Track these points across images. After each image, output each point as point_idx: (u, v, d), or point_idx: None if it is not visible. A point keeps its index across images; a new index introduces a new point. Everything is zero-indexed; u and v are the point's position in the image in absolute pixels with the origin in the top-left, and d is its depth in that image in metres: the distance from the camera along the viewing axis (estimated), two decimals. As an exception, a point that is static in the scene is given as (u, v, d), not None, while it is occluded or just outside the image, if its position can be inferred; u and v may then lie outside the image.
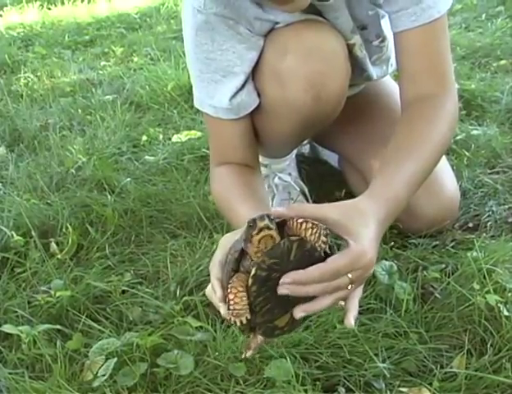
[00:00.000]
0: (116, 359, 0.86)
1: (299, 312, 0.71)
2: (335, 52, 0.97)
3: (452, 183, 1.14)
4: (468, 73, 1.95)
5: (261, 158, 1.24)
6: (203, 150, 1.48)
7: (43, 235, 1.24)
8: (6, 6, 4.10)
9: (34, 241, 1.20)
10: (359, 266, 0.70)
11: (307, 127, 1.06)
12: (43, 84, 2.29)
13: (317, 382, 0.83)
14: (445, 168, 1.14)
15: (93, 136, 1.72)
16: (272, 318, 0.72)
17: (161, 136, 1.70)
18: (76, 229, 1.23)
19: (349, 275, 0.69)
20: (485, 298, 0.89)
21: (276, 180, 1.25)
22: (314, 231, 0.68)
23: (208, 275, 0.75)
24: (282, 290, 0.69)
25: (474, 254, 0.99)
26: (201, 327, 0.91)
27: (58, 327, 0.94)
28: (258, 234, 0.67)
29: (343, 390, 0.82)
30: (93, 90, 2.15)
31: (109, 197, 1.31)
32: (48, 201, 1.35)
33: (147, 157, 1.56)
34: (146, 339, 0.87)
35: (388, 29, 1.04)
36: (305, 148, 1.46)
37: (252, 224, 0.67)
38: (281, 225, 0.70)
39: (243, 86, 0.99)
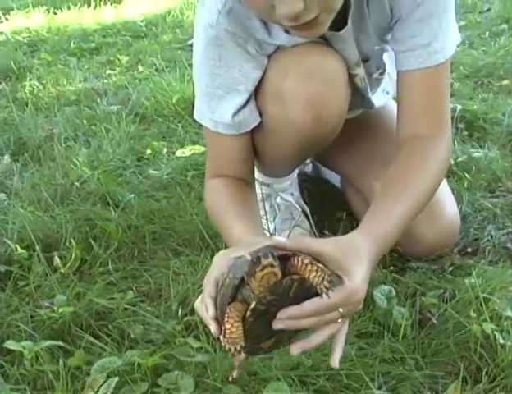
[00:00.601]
0: (117, 378, 0.87)
1: (295, 350, 0.74)
2: (335, 73, 0.99)
3: (452, 208, 1.16)
4: (471, 93, 1.96)
5: (263, 178, 1.26)
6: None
7: (46, 249, 1.26)
8: (13, 10, 4.12)
9: (38, 255, 1.21)
10: (351, 302, 0.74)
11: (307, 147, 1.09)
12: (48, 92, 2.31)
13: (315, 407, 0.84)
14: (445, 193, 1.16)
15: (98, 148, 1.74)
16: (259, 342, 0.75)
17: (165, 150, 1.71)
18: (80, 243, 1.25)
19: (341, 310, 0.73)
20: (481, 326, 0.90)
21: (279, 199, 1.27)
22: (319, 274, 0.71)
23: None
24: (278, 325, 0.73)
25: (472, 280, 1.00)
26: (201, 347, 0.92)
27: (61, 343, 0.95)
28: (261, 271, 0.69)
29: (340, 414, 0.84)
30: (98, 100, 2.16)
31: (113, 212, 1.32)
32: (52, 214, 1.36)
33: (151, 171, 1.58)
34: (147, 359, 0.89)
35: (387, 60, 1.07)
36: (308, 168, 1.47)
37: (256, 261, 0.69)
38: (284, 258, 0.72)
39: (245, 104, 1.01)
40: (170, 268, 1.16)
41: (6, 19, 3.94)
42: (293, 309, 0.72)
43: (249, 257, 0.72)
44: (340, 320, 0.75)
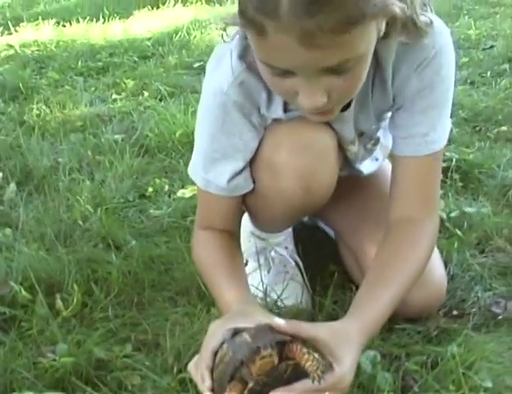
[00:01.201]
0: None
1: None
2: (327, 150, 1.05)
3: (440, 271, 1.20)
4: (468, 140, 2.01)
5: (258, 232, 1.31)
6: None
7: (49, 289, 1.30)
8: (23, 21, 4.18)
9: (41, 297, 1.26)
10: (338, 387, 0.80)
11: (297, 213, 1.17)
12: (54, 116, 2.36)
13: None
14: (434, 257, 1.21)
15: (102, 182, 1.79)
16: None
17: (166, 187, 1.76)
18: (81, 286, 1.29)
19: (327, 393, 0.80)
20: (461, 398, 0.95)
21: (273, 253, 1.31)
22: (314, 363, 0.79)
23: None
24: None
25: (454, 349, 1.05)
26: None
27: (62, 396, 1.00)
28: (260, 359, 0.77)
29: None
30: (103, 129, 2.21)
31: (114, 257, 1.37)
32: (56, 254, 1.41)
33: (152, 210, 1.63)
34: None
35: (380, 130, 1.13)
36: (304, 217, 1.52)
37: (256, 350, 0.77)
38: (281, 342, 0.79)
39: (241, 171, 1.06)
40: (167, 318, 1.21)
41: (16, 30, 4.00)
42: (285, 390, 0.79)
43: (249, 339, 0.79)
44: None
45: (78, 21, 4.19)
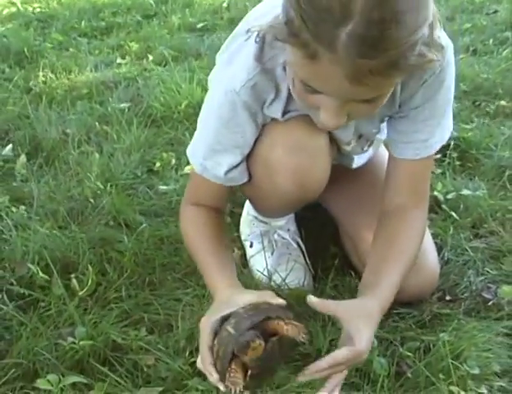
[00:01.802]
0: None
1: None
2: (319, 149, 1.10)
3: (433, 258, 1.27)
4: (467, 116, 2.05)
5: (260, 217, 1.38)
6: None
7: (64, 269, 1.38)
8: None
9: (57, 276, 1.33)
10: (357, 360, 0.96)
11: (293, 205, 1.26)
12: (60, 84, 2.38)
13: None
14: (427, 244, 1.27)
15: (110, 156, 1.84)
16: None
17: (173, 161, 1.82)
18: (95, 266, 1.37)
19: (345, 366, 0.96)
20: (448, 387, 1.04)
21: (276, 236, 1.38)
22: (294, 329, 0.91)
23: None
24: (301, 378, 0.94)
25: (446, 337, 1.13)
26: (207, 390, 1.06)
27: (84, 380, 1.08)
28: (252, 350, 0.89)
29: None
30: (109, 97, 2.24)
31: (126, 239, 1.43)
32: (69, 234, 1.47)
33: (160, 186, 1.69)
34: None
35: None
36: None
37: (245, 344, 0.88)
38: (263, 321, 0.92)
39: (238, 165, 1.11)
40: (177, 298, 1.28)
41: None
42: (314, 366, 0.92)
43: (233, 331, 0.91)
44: (345, 371, 0.99)
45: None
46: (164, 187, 1.69)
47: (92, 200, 1.61)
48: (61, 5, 3.47)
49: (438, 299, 1.29)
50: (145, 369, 1.12)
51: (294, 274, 1.33)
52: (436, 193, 1.58)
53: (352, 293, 1.28)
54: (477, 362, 1.11)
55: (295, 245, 1.40)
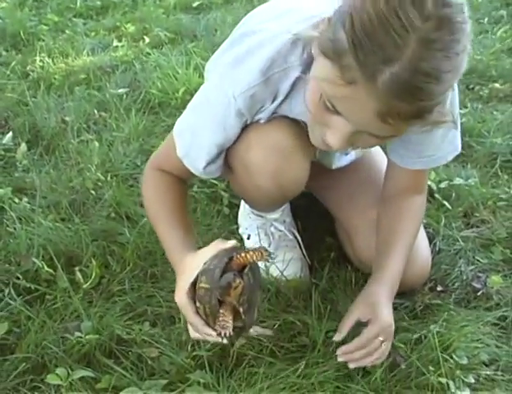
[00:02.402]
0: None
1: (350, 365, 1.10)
2: (292, 150, 1.11)
3: (426, 253, 1.32)
4: (461, 100, 2.07)
5: (255, 211, 1.41)
6: (212, 181, 1.64)
7: (68, 262, 1.42)
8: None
9: (62, 269, 1.38)
10: (386, 331, 1.08)
11: (276, 202, 1.30)
12: (58, 68, 2.39)
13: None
14: (420, 236, 1.31)
15: (110, 145, 1.86)
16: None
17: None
18: (98, 259, 1.41)
19: (381, 338, 1.07)
20: (437, 378, 1.09)
21: (272, 229, 1.42)
22: (256, 255, 0.97)
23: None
24: (340, 359, 1.08)
25: (437, 329, 1.19)
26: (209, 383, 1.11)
27: (91, 374, 1.13)
28: (234, 290, 0.97)
29: None
30: (107, 83, 2.26)
31: (127, 232, 1.47)
32: (72, 226, 1.51)
33: (159, 177, 1.72)
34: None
35: None
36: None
37: (227, 286, 0.95)
38: (228, 263, 0.98)
39: (214, 160, 1.13)
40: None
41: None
42: (347, 347, 1.07)
43: (208, 285, 0.97)
44: (383, 345, 1.07)
45: None
46: (163, 177, 1.72)
47: (93, 192, 1.64)
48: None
49: (430, 289, 1.35)
50: (149, 362, 1.18)
51: (291, 266, 1.37)
52: (429, 182, 1.62)
53: (347, 284, 1.33)
54: (465, 352, 1.17)
55: (291, 237, 1.44)
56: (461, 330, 1.20)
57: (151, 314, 1.29)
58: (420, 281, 1.32)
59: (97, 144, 1.87)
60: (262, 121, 1.08)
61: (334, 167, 1.34)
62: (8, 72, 2.33)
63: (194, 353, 1.17)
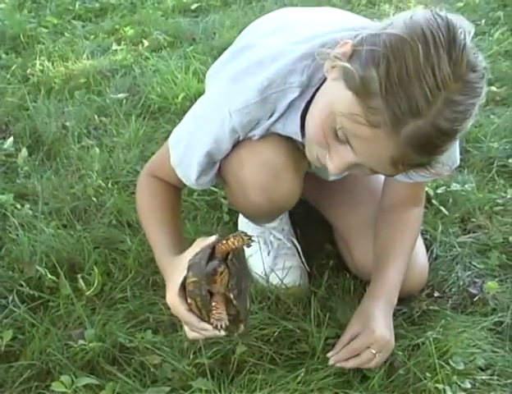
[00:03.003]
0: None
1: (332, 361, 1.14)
2: (282, 166, 1.12)
3: (424, 261, 1.35)
4: (458, 104, 2.09)
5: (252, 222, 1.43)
6: (212, 188, 1.66)
7: (70, 269, 1.44)
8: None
9: (65, 276, 1.40)
10: (381, 344, 1.11)
11: (269, 215, 1.30)
12: (57, 72, 2.40)
13: None
14: (418, 244, 1.33)
15: (110, 151, 1.88)
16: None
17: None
18: (100, 267, 1.43)
19: (373, 350, 1.10)
20: (434, 384, 1.12)
21: (271, 237, 1.43)
22: (237, 241, 0.97)
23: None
24: (331, 362, 1.13)
25: (434, 336, 1.21)
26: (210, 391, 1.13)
27: (95, 381, 1.15)
28: (219, 276, 0.97)
29: None
30: (107, 88, 2.27)
31: (128, 240, 1.49)
32: (74, 233, 1.53)
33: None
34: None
35: None
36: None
37: (213, 273, 0.96)
38: (212, 254, 0.99)
39: (206, 171, 1.15)
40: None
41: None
42: (337, 356, 1.12)
43: (196, 278, 0.98)
44: (376, 356, 1.11)
45: None
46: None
47: (94, 199, 1.66)
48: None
49: (427, 295, 1.37)
50: (152, 369, 1.20)
51: (290, 274, 1.39)
52: (426, 188, 1.64)
53: (346, 292, 1.35)
54: (462, 357, 1.19)
55: (290, 245, 1.45)
56: (458, 336, 1.22)
57: (153, 322, 1.31)
58: (418, 288, 1.35)
59: (97, 150, 1.89)
60: (255, 138, 1.10)
61: (331, 178, 1.36)
62: (8, 76, 2.35)
63: (196, 360, 1.19)
